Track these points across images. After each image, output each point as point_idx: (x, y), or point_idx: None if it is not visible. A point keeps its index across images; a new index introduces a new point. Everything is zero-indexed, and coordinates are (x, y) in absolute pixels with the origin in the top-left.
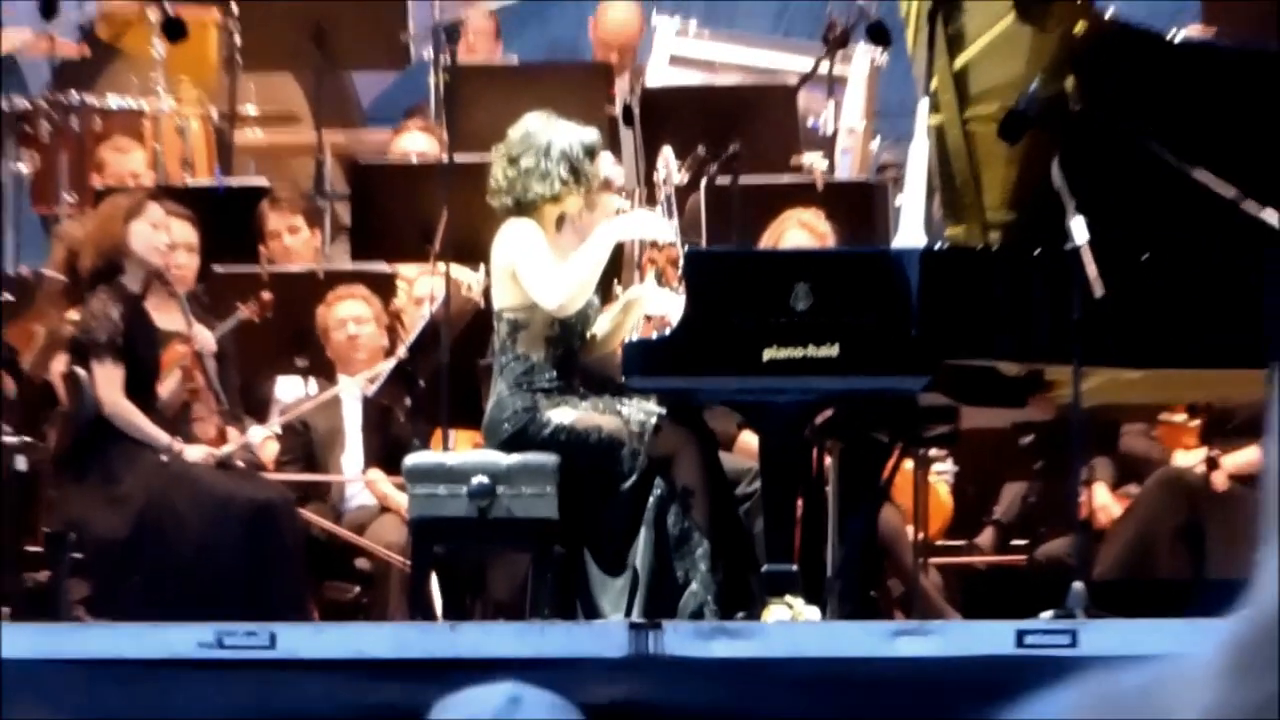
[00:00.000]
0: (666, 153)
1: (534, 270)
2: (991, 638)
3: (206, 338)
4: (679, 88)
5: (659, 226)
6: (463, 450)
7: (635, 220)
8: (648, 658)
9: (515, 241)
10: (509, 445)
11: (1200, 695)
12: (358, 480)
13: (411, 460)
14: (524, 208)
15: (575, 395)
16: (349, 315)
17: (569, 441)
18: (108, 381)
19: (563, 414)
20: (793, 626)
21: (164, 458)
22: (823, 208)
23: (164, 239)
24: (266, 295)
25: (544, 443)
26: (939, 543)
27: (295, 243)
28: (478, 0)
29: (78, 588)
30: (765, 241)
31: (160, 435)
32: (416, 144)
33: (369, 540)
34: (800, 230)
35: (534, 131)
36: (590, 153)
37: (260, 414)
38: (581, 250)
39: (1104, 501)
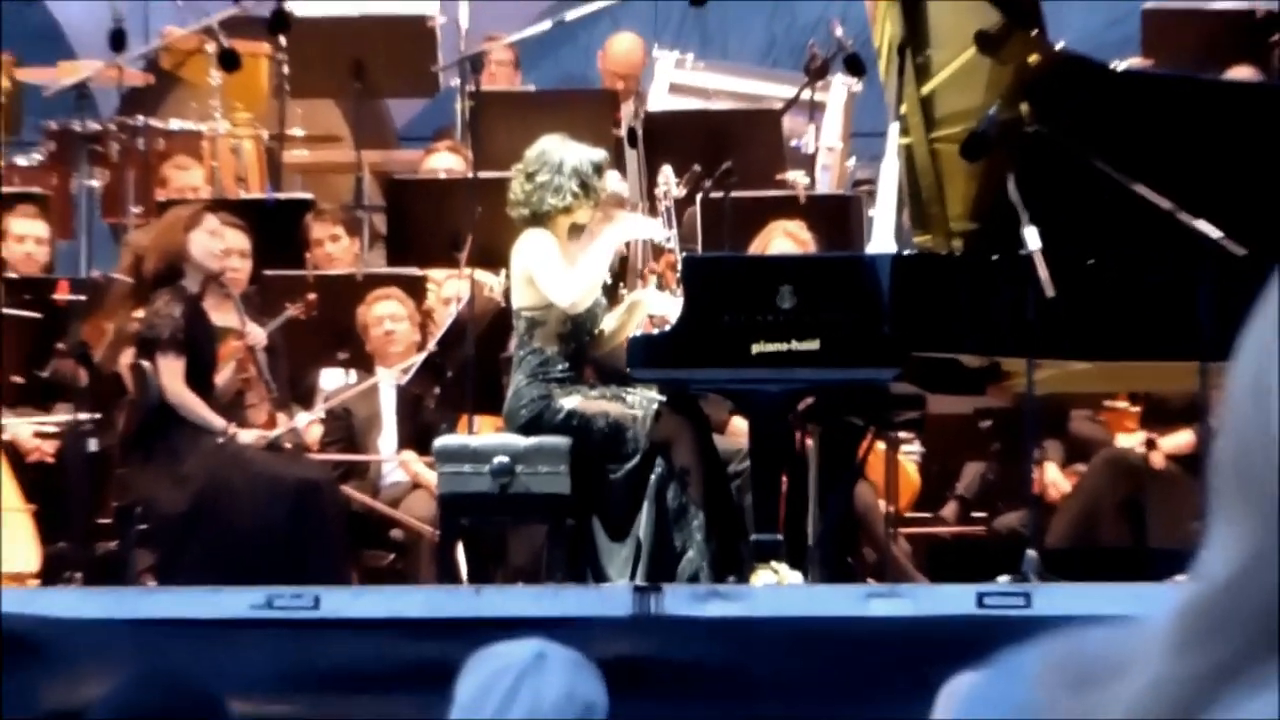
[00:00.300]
0: (666, 170)
1: (549, 274)
2: (955, 599)
3: (258, 333)
4: (678, 112)
5: (651, 227)
6: (485, 433)
7: (631, 223)
8: (649, 617)
9: (531, 249)
10: (526, 429)
11: (1148, 667)
12: (393, 460)
13: (440, 442)
14: (539, 218)
15: (585, 385)
16: (385, 314)
17: (580, 426)
18: (170, 373)
19: (574, 401)
20: (778, 589)
21: (220, 440)
22: (805, 218)
23: (219, 245)
24: (311, 296)
25: (557, 427)
26: (908, 515)
27: (336, 249)
28: (499, 35)
29: (143, 557)
30: (754, 248)
31: (217, 420)
32: (445, 162)
33: (402, 513)
34: (785, 239)
35: (548, 150)
36: (598, 169)
37: (306, 402)
38: (587, 253)
39: (1054, 478)
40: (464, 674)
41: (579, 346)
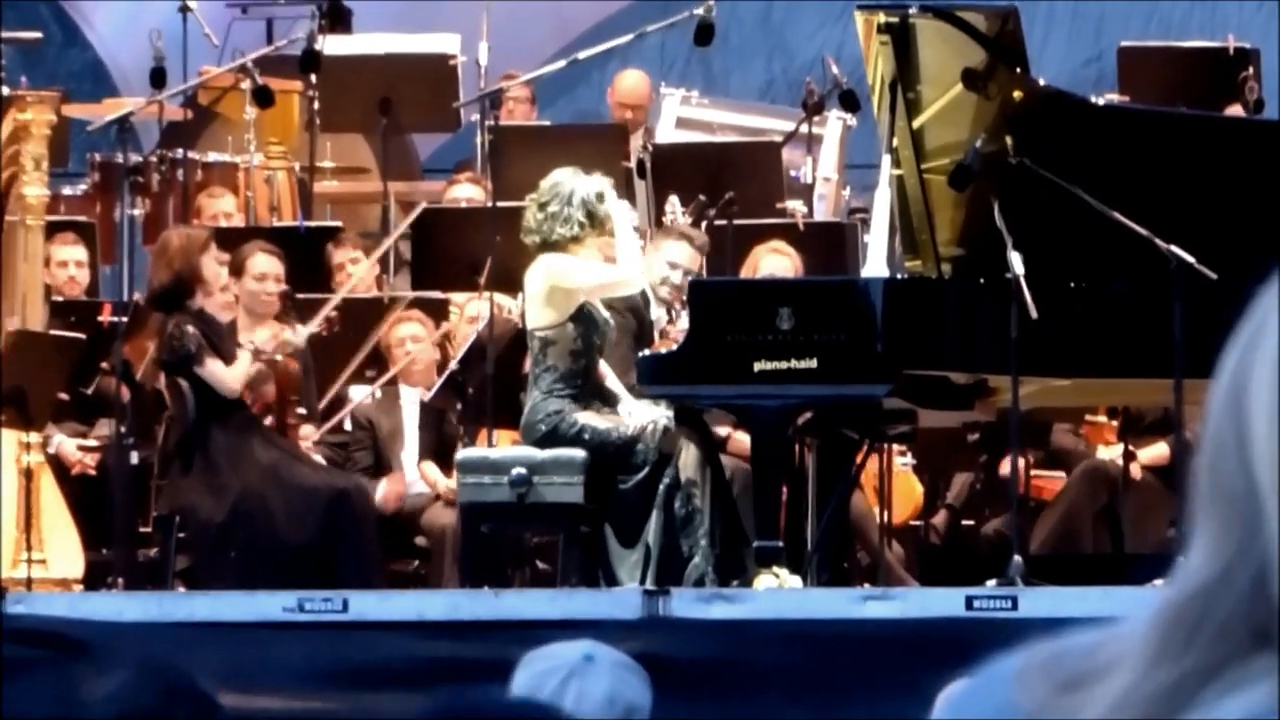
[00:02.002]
0: (673, 200)
1: (602, 274)
2: (945, 602)
3: (302, 333)
4: (683, 145)
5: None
6: (504, 446)
7: (625, 208)
8: (658, 619)
9: (560, 269)
10: (543, 442)
11: (1127, 669)
12: (413, 470)
13: (461, 455)
14: (550, 246)
15: (598, 399)
16: (407, 335)
17: (593, 439)
18: (219, 374)
19: (587, 416)
20: (778, 592)
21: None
22: (802, 245)
23: (224, 268)
24: (333, 314)
25: (572, 440)
26: (901, 523)
27: (356, 271)
28: (516, 74)
29: (181, 564)
30: (744, 270)
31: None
32: (466, 192)
33: (426, 522)
34: (773, 255)
35: (559, 183)
36: (600, 196)
37: (336, 413)
38: (620, 243)
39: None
40: (517, 671)
41: (590, 364)
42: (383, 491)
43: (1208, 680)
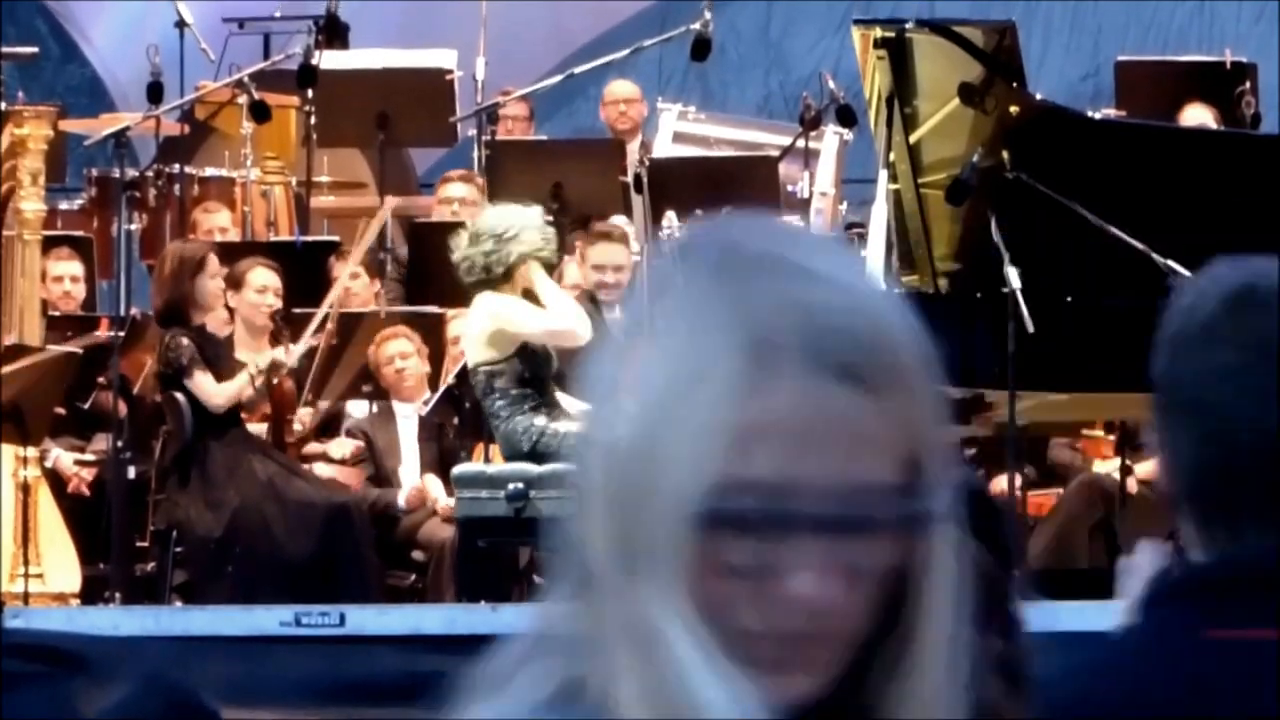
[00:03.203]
0: (670, 215)
1: (550, 322)
2: None
3: (295, 351)
4: (680, 159)
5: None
6: (500, 461)
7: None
8: None
9: (508, 315)
10: (533, 459)
11: None
12: (413, 485)
13: (459, 470)
14: (489, 283)
15: (561, 409)
16: (395, 352)
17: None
18: (207, 388)
19: (566, 424)
20: None
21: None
22: None
23: (220, 285)
24: (330, 327)
25: (559, 450)
26: None
27: (356, 286)
28: (512, 90)
29: (178, 577)
30: None
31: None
32: (458, 191)
33: (423, 536)
34: None
35: (493, 221)
36: (546, 240)
37: (333, 429)
38: (546, 296)
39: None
40: None
41: (542, 380)
42: (406, 495)
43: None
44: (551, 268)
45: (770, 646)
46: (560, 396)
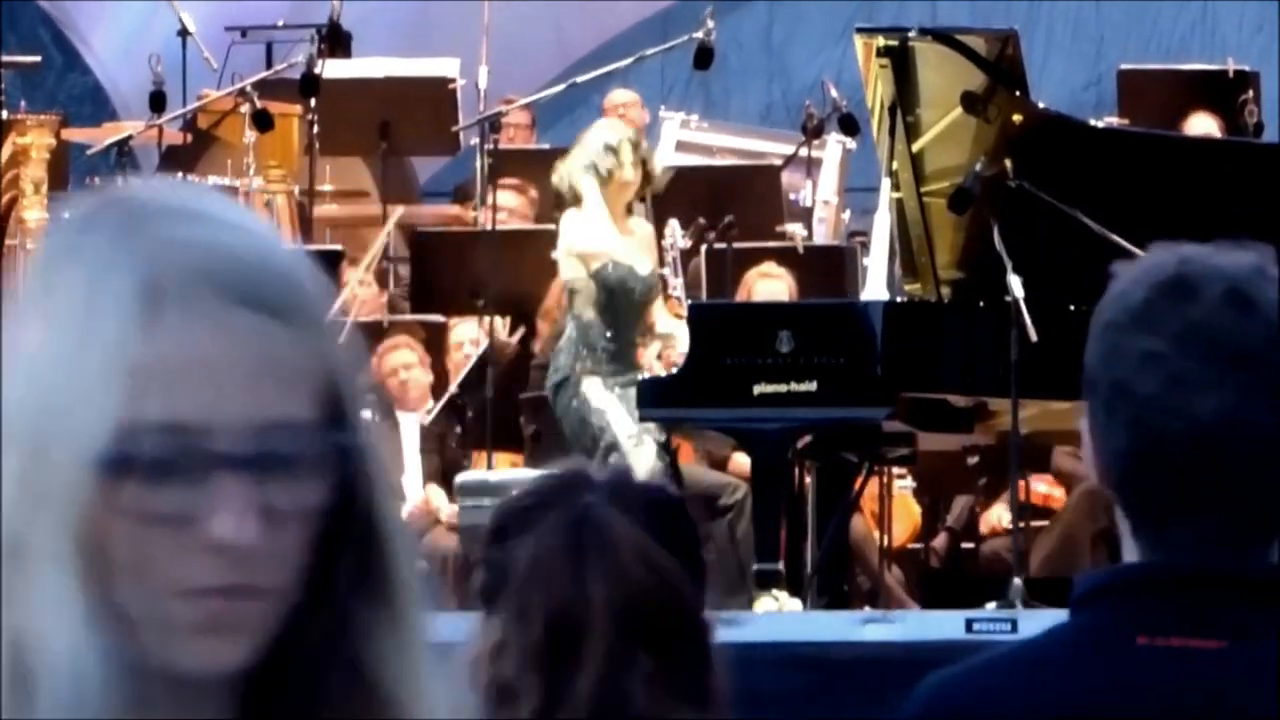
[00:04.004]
0: (673, 223)
1: (577, 241)
2: (944, 625)
3: None
4: (683, 168)
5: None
6: (503, 469)
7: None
8: None
9: (560, 231)
10: (553, 394)
11: None
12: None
13: (461, 478)
14: (574, 199)
15: (615, 375)
16: (398, 363)
17: (573, 421)
18: None
19: (593, 389)
20: (778, 616)
21: None
22: (801, 268)
23: None
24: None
25: (564, 408)
26: (901, 546)
27: (364, 294)
28: (514, 98)
29: None
30: (738, 297)
31: None
32: (508, 201)
33: (426, 545)
34: (765, 280)
35: (584, 135)
36: (609, 148)
37: None
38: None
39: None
40: None
41: (615, 319)
42: (409, 511)
43: None
44: (610, 178)
45: (197, 605)
46: (660, 317)
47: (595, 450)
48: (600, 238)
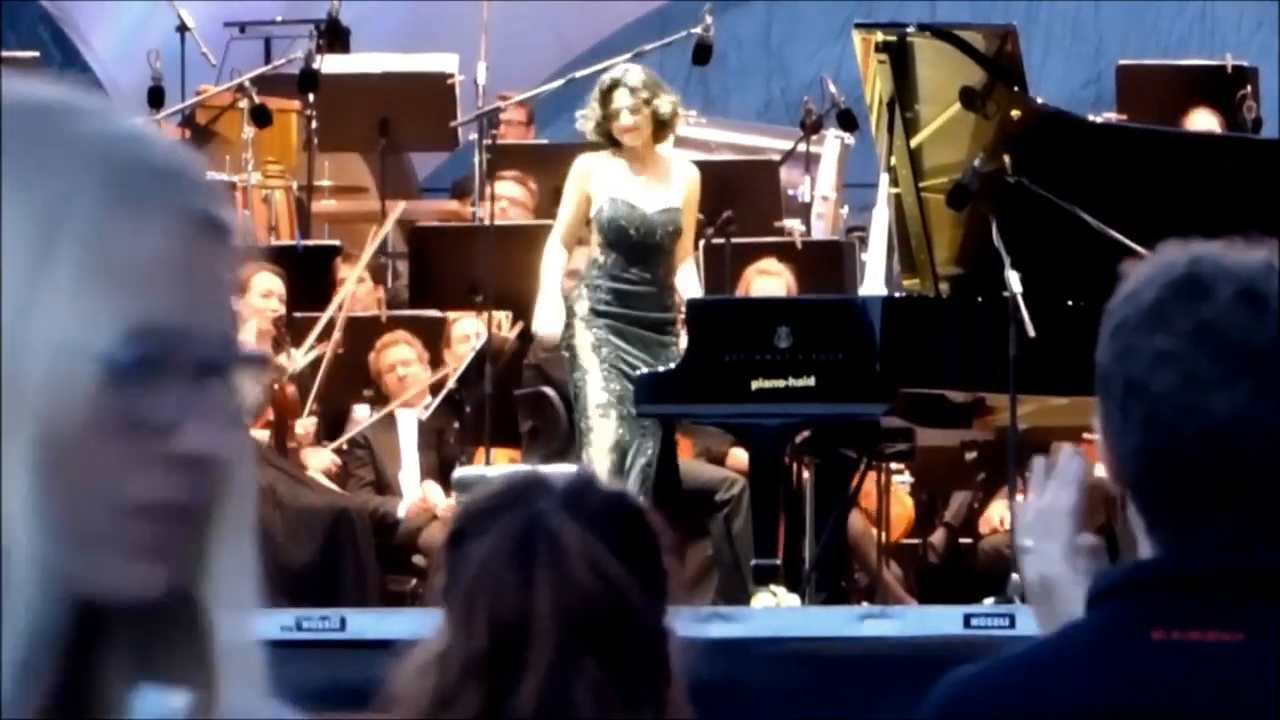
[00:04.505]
0: None
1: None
2: (943, 620)
3: (296, 357)
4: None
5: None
6: (501, 465)
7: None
8: None
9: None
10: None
11: None
12: (414, 490)
13: (459, 473)
14: (594, 145)
15: (614, 327)
16: (397, 359)
17: (564, 371)
18: None
19: (582, 346)
20: (776, 611)
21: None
22: (800, 263)
23: None
24: (337, 335)
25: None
26: (899, 542)
27: (360, 291)
28: (511, 94)
29: None
30: (738, 292)
31: None
32: (509, 190)
33: (424, 541)
34: (763, 277)
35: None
36: (604, 89)
37: (339, 430)
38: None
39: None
40: None
41: (622, 257)
42: (407, 509)
43: None
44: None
45: (145, 526)
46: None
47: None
48: (595, 175)
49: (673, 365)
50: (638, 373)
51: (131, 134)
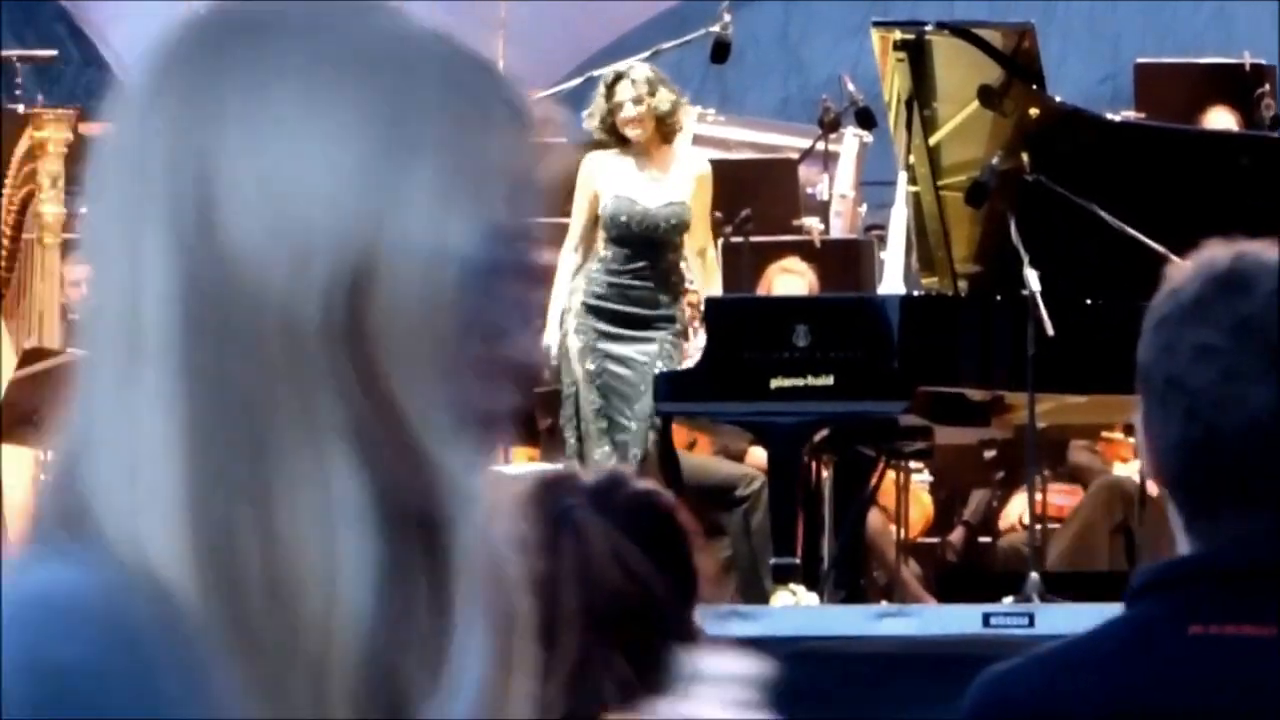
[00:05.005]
0: None
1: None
2: (962, 619)
3: None
4: None
5: None
6: (520, 463)
7: None
8: None
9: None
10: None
11: None
12: None
13: None
14: (598, 144)
15: (601, 329)
16: None
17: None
18: None
19: (575, 346)
20: (795, 609)
21: None
22: (819, 262)
23: None
24: None
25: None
26: (920, 539)
27: None
28: (531, 92)
29: None
30: (760, 291)
31: None
32: None
33: None
34: (786, 275)
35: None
36: (607, 84)
37: None
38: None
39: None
40: None
41: (627, 254)
42: None
43: None
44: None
45: (485, 434)
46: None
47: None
48: (601, 173)
49: (673, 362)
50: (625, 371)
51: (442, 34)
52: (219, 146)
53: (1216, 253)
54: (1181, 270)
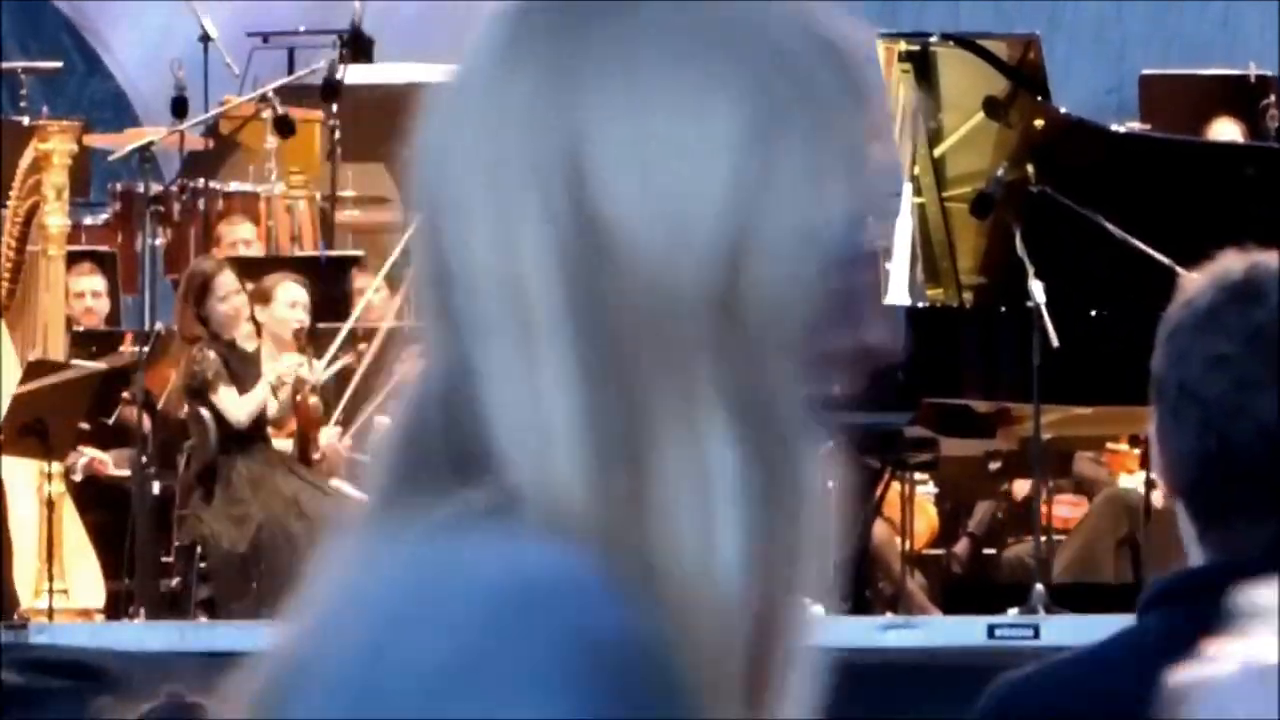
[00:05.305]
0: None
1: None
2: (966, 631)
3: (319, 369)
4: None
5: None
6: None
7: None
8: None
9: None
10: None
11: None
12: None
13: None
14: None
15: None
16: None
17: None
18: (230, 402)
19: None
20: None
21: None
22: None
23: (234, 303)
24: (362, 346)
25: None
26: (925, 551)
27: (375, 299)
28: None
29: (202, 592)
30: None
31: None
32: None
33: None
34: None
35: None
36: None
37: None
38: None
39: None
40: None
41: None
42: None
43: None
44: None
45: (829, 419)
46: None
47: None
48: None
49: None
50: None
51: (806, 9)
52: (587, 116)
53: (1230, 263)
54: (1195, 280)
